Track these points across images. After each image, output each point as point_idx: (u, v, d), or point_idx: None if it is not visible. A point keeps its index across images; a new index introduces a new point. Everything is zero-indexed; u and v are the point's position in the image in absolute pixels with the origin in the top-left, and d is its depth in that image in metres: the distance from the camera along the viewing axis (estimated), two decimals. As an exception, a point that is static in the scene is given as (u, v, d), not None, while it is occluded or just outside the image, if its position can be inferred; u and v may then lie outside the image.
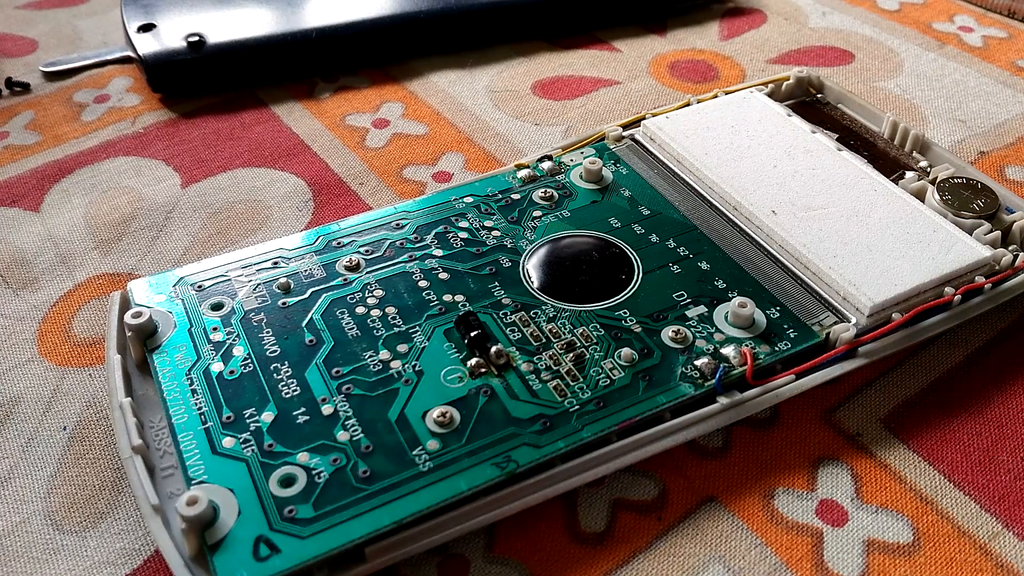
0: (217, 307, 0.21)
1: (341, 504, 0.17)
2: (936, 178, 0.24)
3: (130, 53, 0.32)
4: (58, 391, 0.21)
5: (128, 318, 0.20)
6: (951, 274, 0.21)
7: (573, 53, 0.33)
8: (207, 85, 0.31)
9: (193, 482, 0.17)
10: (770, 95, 0.28)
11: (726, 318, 0.20)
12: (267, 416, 0.18)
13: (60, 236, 0.25)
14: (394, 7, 0.32)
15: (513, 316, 0.21)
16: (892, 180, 0.24)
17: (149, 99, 0.31)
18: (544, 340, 0.20)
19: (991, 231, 0.23)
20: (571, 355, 0.20)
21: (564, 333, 0.20)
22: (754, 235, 0.23)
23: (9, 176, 0.28)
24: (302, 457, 0.18)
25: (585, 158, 0.25)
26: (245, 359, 0.20)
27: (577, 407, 0.19)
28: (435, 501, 0.17)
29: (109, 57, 0.33)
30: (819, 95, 0.29)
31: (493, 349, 0.19)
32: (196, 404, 0.19)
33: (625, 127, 0.27)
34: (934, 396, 0.21)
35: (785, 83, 0.28)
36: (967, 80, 0.31)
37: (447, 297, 0.21)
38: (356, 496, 0.17)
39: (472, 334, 0.20)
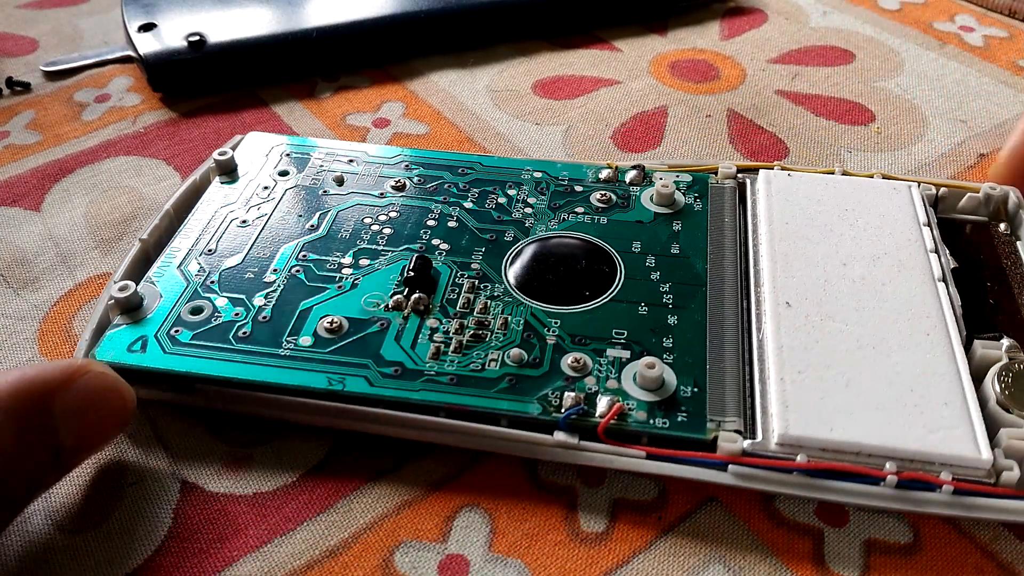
0: (283, 173, 0.25)
1: (209, 344, 0.20)
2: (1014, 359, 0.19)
3: (131, 53, 0.32)
4: (59, 391, 0.21)
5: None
6: (912, 454, 0.17)
7: (574, 53, 0.33)
8: (207, 85, 0.31)
9: (143, 281, 0.21)
10: (940, 199, 0.24)
11: (634, 378, 0.19)
12: (231, 260, 0.22)
13: (61, 235, 0.25)
14: (395, 7, 0.32)
15: (467, 279, 0.21)
16: (969, 337, 0.20)
17: (150, 99, 0.31)
18: (468, 309, 0.21)
19: None
20: (474, 332, 0.20)
21: (490, 312, 0.21)
22: (752, 316, 0.21)
23: (10, 176, 0.28)
24: (220, 301, 0.21)
25: (659, 181, 0.24)
26: (264, 216, 0.24)
27: (433, 373, 0.19)
28: (262, 378, 0.19)
29: (110, 57, 0.33)
30: (1003, 223, 0.23)
31: (415, 296, 0.21)
32: (202, 235, 0.23)
33: (744, 170, 0.25)
34: (934, 396, 0.21)
35: (969, 193, 0.24)
36: (968, 80, 0.31)
37: (436, 240, 0.23)
38: (224, 345, 0.20)
39: (409, 273, 0.21)
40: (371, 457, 0.19)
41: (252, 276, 0.22)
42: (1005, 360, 0.19)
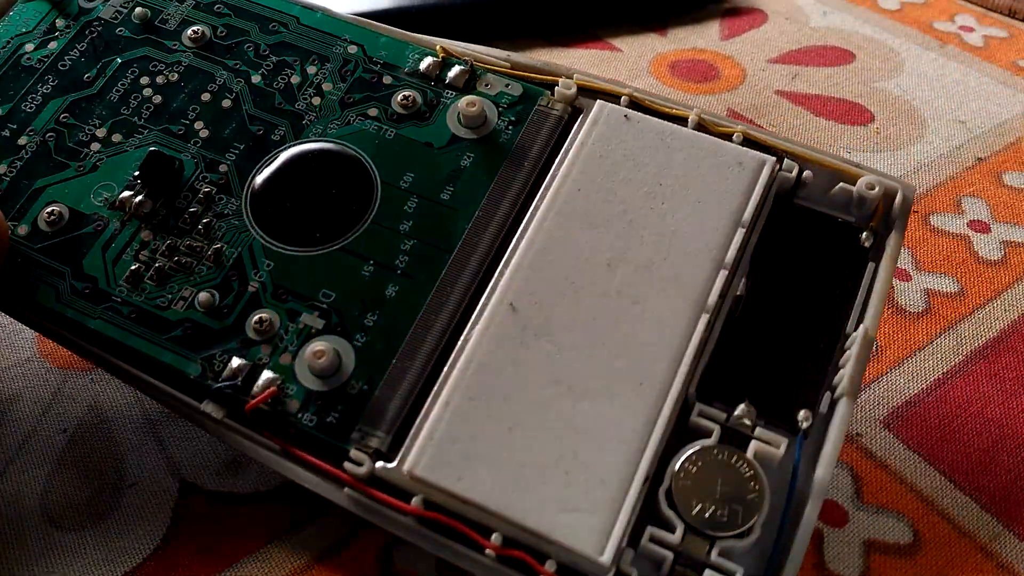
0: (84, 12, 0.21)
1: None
2: (718, 440, 0.16)
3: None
4: (59, 393, 0.21)
5: None
6: (532, 530, 0.15)
7: (573, 52, 0.33)
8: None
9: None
10: (804, 182, 0.18)
11: (308, 365, 0.16)
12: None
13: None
14: (389, 1, 0.32)
15: (207, 184, 0.18)
16: (706, 395, 0.16)
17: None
18: (190, 226, 0.18)
19: (675, 553, 0.15)
20: (183, 260, 0.18)
21: (211, 235, 0.18)
22: (475, 309, 0.17)
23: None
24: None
25: (467, 99, 0.19)
26: (50, 55, 0.20)
27: (119, 301, 0.17)
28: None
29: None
30: (866, 232, 0.17)
31: (138, 199, 0.18)
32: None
33: (590, 92, 0.19)
34: (934, 396, 0.21)
35: (841, 184, 0.18)
36: (967, 80, 0.31)
37: (198, 124, 0.19)
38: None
39: (143, 171, 0.18)
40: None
41: (8, 135, 0.19)
42: (713, 440, 0.15)
